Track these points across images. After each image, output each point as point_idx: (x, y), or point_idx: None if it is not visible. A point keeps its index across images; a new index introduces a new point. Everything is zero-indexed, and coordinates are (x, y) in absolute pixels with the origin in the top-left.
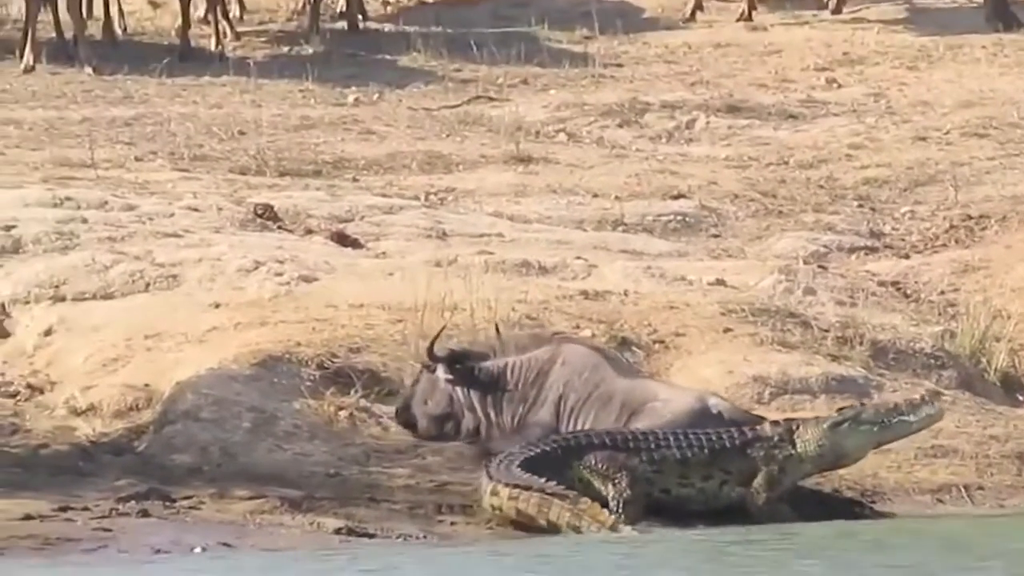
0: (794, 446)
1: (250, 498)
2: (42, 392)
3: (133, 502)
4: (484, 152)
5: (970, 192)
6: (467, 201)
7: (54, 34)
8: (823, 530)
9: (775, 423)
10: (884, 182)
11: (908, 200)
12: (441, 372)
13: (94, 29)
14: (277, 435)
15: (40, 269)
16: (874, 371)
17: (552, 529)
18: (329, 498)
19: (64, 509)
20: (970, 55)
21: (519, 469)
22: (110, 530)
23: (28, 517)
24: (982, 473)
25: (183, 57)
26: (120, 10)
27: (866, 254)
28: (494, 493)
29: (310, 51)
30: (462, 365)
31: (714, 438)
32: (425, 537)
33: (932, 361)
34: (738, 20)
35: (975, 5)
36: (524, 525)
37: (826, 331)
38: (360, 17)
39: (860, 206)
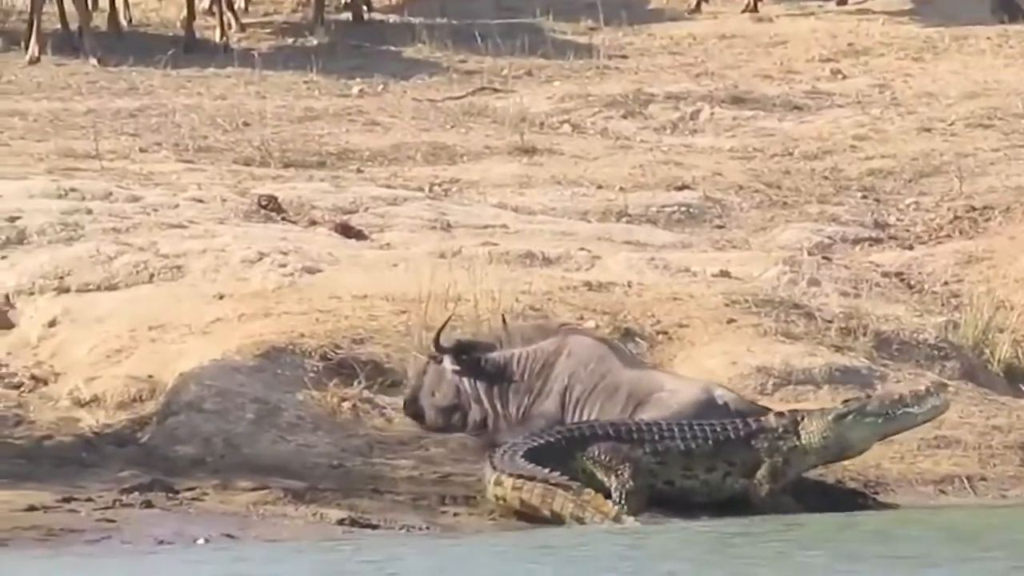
0: (799, 438)
1: (253, 489)
2: (46, 383)
3: (136, 493)
4: (488, 143)
5: (974, 183)
6: (471, 192)
7: (59, 25)
8: (826, 521)
9: (780, 414)
10: (888, 173)
11: (912, 191)
12: (448, 363)
13: (99, 20)
14: (280, 426)
15: (44, 260)
16: (878, 362)
17: (556, 520)
18: (332, 489)
19: (68, 500)
20: (975, 46)
21: (523, 460)
22: (113, 521)
23: (32, 508)
24: (985, 464)
25: (188, 48)
26: (125, 1)
27: (870, 245)
28: (498, 483)
29: (315, 42)
30: (468, 356)
31: (718, 429)
32: (428, 528)
33: (935, 352)
34: (743, 11)
35: None
36: (528, 516)
37: (830, 322)
38: (365, 8)
39: (864, 197)
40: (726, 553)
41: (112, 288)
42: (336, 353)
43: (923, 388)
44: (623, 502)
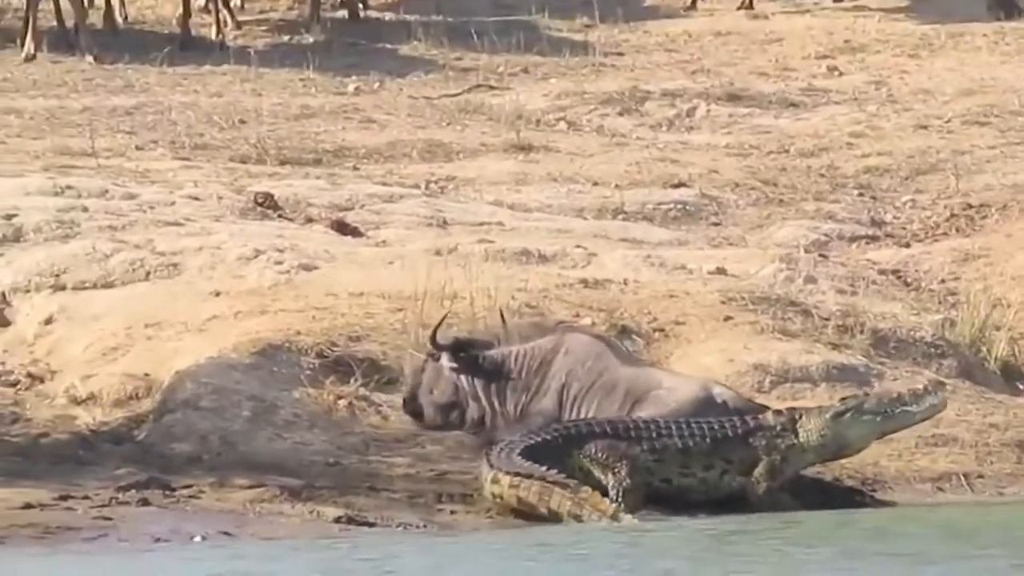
0: (797, 436)
1: (250, 487)
2: (42, 381)
3: (133, 491)
4: (484, 141)
5: (971, 181)
6: (467, 189)
7: (55, 23)
8: (824, 519)
9: (778, 412)
10: (885, 170)
11: (909, 189)
12: (445, 361)
13: (95, 18)
14: (277, 424)
15: (41, 258)
16: (874, 360)
17: (553, 518)
18: (329, 487)
19: (64, 498)
20: (971, 43)
21: (520, 457)
22: (110, 519)
23: (28, 506)
24: (982, 461)
25: (184, 46)
26: None
27: (867, 243)
28: (495, 481)
29: (311, 40)
30: (466, 353)
31: (716, 427)
32: (425, 526)
33: (932, 350)
34: (739, 8)
35: None
36: (525, 514)
37: (827, 319)
38: (361, 6)
39: (861, 195)
40: (724, 551)
41: (108, 286)
42: (332, 350)
43: (921, 386)
44: (620, 500)
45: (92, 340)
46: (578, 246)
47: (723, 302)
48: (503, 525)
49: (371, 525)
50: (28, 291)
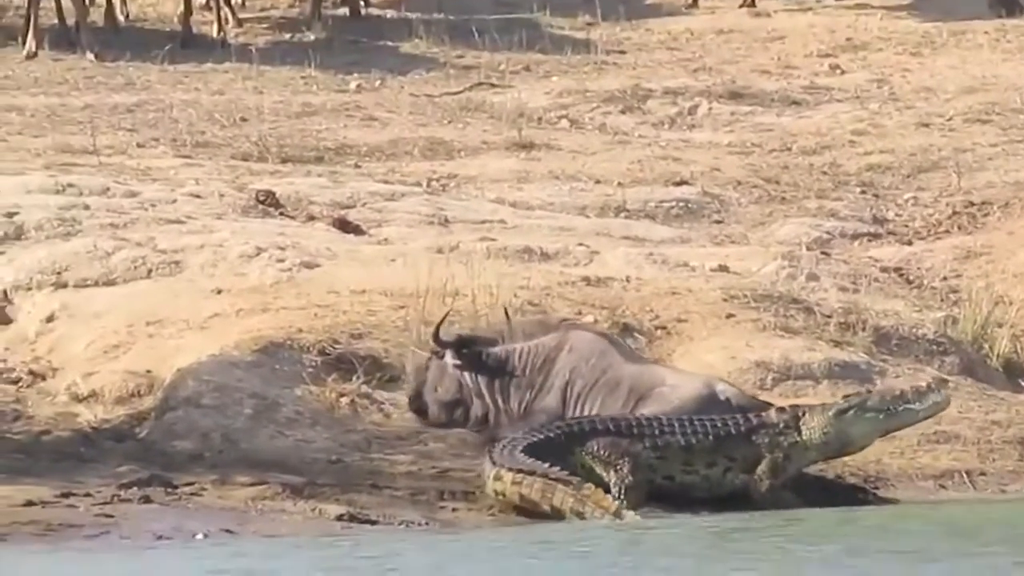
0: (799, 433)
1: (252, 484)
2: (44, 378)
3: (135, 488)
4: (486, 138)
5: (973, 178)
6: (469, 187)
7: (56, 20)
8: (826, 516)
9: (781, 410)
10: (887, 168)
11: (911, 186)
12: (449, 358)
13: (96, 15)
14: (279, 421)
15: (42, 255)
16: (877, 357)
17: (555, 515)
18: (331, 484)
19: (66, 495)
20: (973, 41)
21: (523, 454)
22: (112, 516)
23: (30, 503)
24: (984, 459)
25: (185, 44)
26: None
27: (869, 240)
28: (497, 478)
29: (312, 38)
30: (469, 350)
31: (719, 425)
32: (427, 523)
33: (934, 347)
34: (741, 6)
35: None
36: (527, 511)
37: (829, 317)
38: (362, 3)
39: (863, 192)
40: (726, 548)
41: (110, 283)
42: (334, 348)
43: (924, 384)
44: (622, 497)
45: (94, 338)
46: (580, 244)
47: (725, 299)
48: (505, 522)
49: (373, 523)
50: (30, 289)
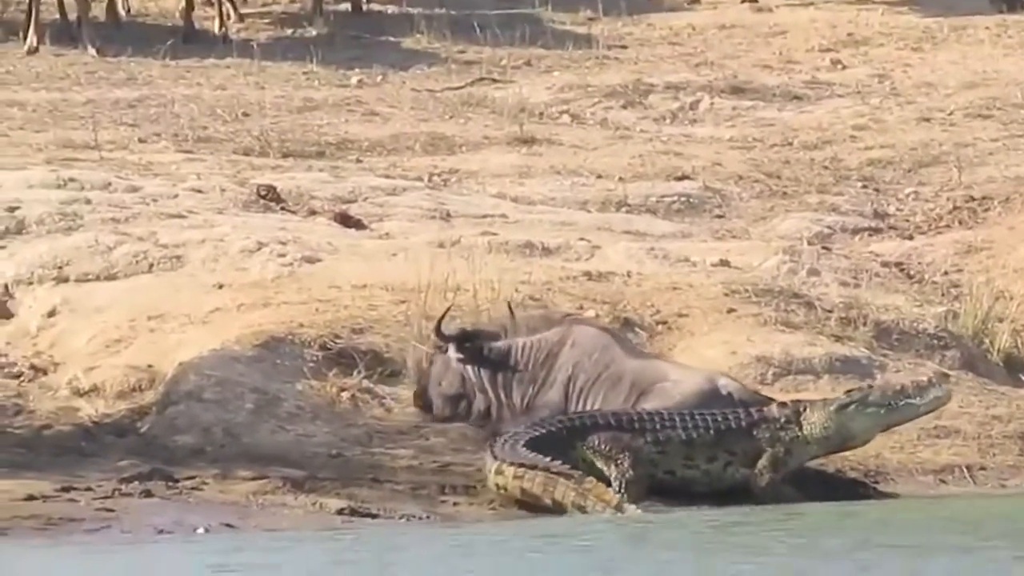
0: (800, 428)
1: (253, 479)
2: (45, 373)
3: (136, 482)
4: (488, 133)
5: (973, 173)
6: (470, 182)
7: (58, 15)
8: (827, 511)
9: (782, 405)
10: (888, 163)
11: (912, 181)
12: (452, 352)
13: (98, 10)
14: (280, 416)
15: (44, 250)
16: (877, 352)
17: (557, 509)
18: (332, 479)
19: (67, 489)
20: (974, 36)
21: (524, 448)
22: (113, 510)
23: (31, 497)
24: (984, 453)
25: (187, 39)
26: None
27: (870, 235)
28: (499, 472)
29: (314, 33)
30: (472, 344)
31: (720, 419)
32: (428, 517)
33: (935, 342)
34: (743, 1)
35: None
36: (528, 504)
37: (830, 312)
38: None
39: (864, 187)
40: (727, 542)
41: (111, 278)
42: (335, 343)
43: (925, 379)
44: (624, 491)
45: (95, 332)
46: (581, 239)
47: (726, 294)
48: (506, 516)
49: (374, 517)
50: (31, 283)
